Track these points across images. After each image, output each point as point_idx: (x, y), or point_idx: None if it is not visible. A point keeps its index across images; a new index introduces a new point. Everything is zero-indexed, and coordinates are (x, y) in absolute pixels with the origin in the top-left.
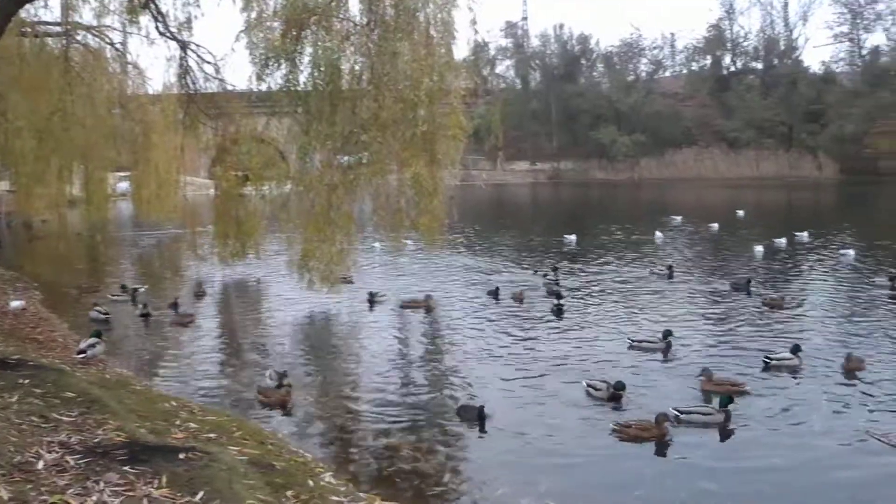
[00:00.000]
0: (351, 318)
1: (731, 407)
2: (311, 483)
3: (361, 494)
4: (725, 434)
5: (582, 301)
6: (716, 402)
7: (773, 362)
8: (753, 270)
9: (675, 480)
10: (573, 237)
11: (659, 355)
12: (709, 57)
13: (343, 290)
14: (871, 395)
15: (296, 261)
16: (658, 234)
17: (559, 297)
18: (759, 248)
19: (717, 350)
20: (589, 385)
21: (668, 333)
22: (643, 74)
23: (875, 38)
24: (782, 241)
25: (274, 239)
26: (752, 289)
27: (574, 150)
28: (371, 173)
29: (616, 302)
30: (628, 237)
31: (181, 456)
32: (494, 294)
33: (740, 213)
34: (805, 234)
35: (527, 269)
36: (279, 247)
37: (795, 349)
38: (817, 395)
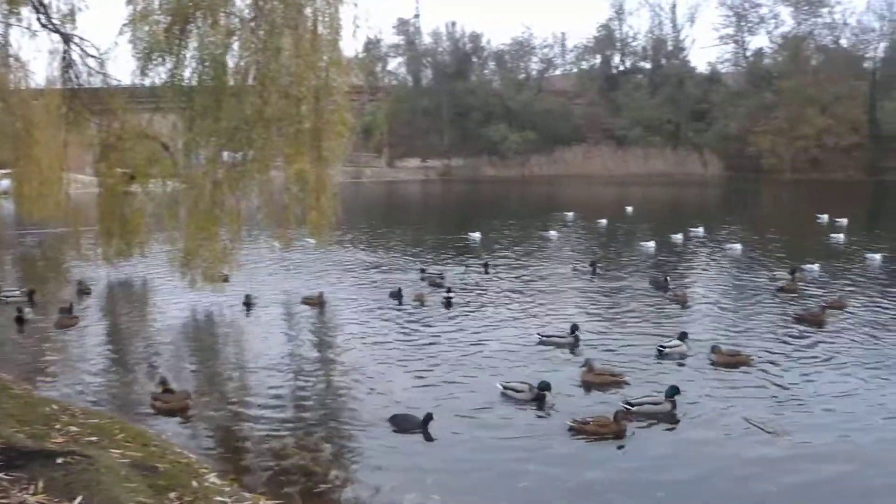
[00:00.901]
0: (238, 317)
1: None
2: (195, 484)
3: (246, 494)
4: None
5: (487, 299)
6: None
7: (667, 350)
8: (655, 266)
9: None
10: (477, 235)
11: (567, 350)
12: (598, 56)
13: (228, 290)
14: (751, 386)
15: (179, 259)
16: (552, 232)
17: (448, 290)
18: (650, 244)
19: (620, 342)
20: (507, 388)
21: (574, 328)
22: (534, 73)
23: (758, 41)
24: (679, 237)
25: (160, 237)
26: (671, 286)
27: (465, 147)
28: (256, 170)
29: (527, 299)
30: (529, 234)
31: (59, 460)
32: (397, 295)
33: (629, 209)
34: (701, 229)
35: (431, 267)
36: (165, 245)
37: (682, 336)
38: (702, 385)
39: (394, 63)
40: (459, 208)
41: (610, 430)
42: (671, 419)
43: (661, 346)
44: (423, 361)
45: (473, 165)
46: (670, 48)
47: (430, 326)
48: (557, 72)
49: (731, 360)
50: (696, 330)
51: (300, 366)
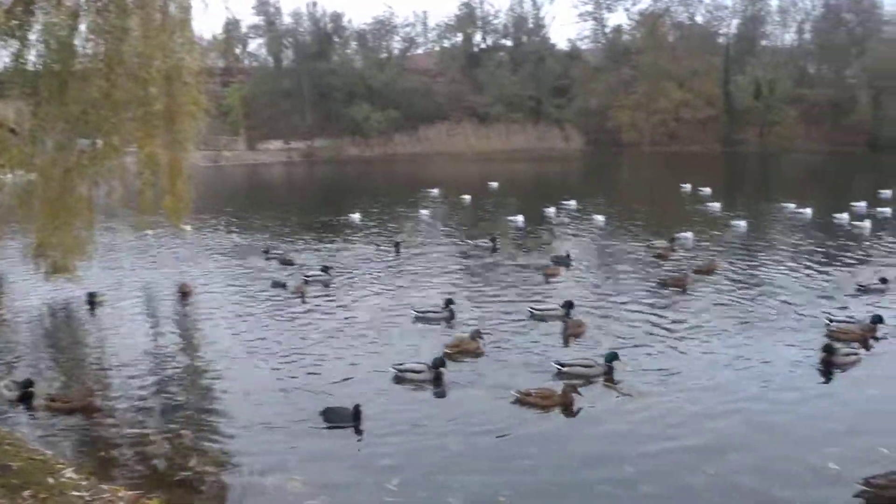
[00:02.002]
0: (98, 310)
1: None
2: (50, 480)
3: (104, 487)
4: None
5: (366, 280)
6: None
7: (537, 313)
8: (524, 238)
9: None
10: (357, 216)
11: (443, 324)
12: (460, 34)
13: (86, 281)
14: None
15: (32, 250)
16: (424, 211)
17: (324, 269)
18: (518, 218)
19: (492, 313)
20: (402, 370)
21: (449, 302)
22: (396, 52)
23: (617, 18)
24: (551, 210)
25: (10, 228)
26: (573, 262)
27: (328, 127)
28: (107, 155)
29: (403, 277)
30: (402, 213)
31: None
32: (283, 286)
33: (493, 184)
34: (573, 202)
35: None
36: (16, 236)
37: (568, 305)
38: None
39: (254, 44)
40: (327, 190)
41: (554, 402)
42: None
43: (532, 308)
44: (304, 350)
45: (337, 146)
46: (531, 26)
47: (306, 314)
48: (419, 50)
49: (454, 351)
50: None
51: (163, 358)
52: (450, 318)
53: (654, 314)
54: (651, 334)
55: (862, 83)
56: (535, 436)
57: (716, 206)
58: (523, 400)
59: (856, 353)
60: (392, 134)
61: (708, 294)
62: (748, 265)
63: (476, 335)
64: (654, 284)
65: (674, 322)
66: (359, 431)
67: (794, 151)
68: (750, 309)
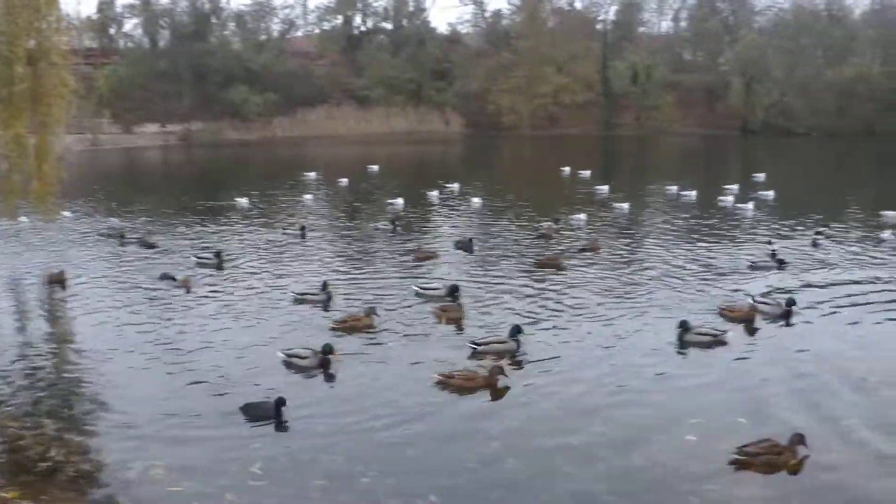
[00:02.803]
0: None
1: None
2: None
3: None
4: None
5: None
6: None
7: (422, 291)
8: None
9: None
10: (244, 200)
11: (320, 306)
12: (340, 17)
13: None
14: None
15: None
16: (307, 196)
17: (217, 255)
18: (398, 201)
19: (373, 293)
20: (290, 355)
21: (325, 285)
22: (275, 34)
23: (497, 2)
24: (434, 193)
25: None
26: (475, 247)
27: (205, 110)
28: None
29: (283, 260)
30: (289, 196)
31: None
32: (172, 278)
33: (374, 167)
34: (456, 185)
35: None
36: None
37: (453, 289)
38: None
39: (130, 24)
40: (206, 174)
41: (478, 385)
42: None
43: (418, 286)
44: (184, 339)
45: (215, 129)
46: (411, 9)
47: (192, 302)
48: (299, 33)
49: (344, 327)
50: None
51: (34, 352)
52: (327, 301)
53: (533, 294)
54: (531, 313)
55: (735, 70)
56: (436, 420)
57: (604, 188)
58: (446, 382)
59: (714, 334)
60: (271, 117)
61: (587, 273)
62: (632, 245)
63: (371, 311)
64: (531, 265)
65: (551, 301)
66: (282, 426)
67: (671, 135)
68: (632, 287)
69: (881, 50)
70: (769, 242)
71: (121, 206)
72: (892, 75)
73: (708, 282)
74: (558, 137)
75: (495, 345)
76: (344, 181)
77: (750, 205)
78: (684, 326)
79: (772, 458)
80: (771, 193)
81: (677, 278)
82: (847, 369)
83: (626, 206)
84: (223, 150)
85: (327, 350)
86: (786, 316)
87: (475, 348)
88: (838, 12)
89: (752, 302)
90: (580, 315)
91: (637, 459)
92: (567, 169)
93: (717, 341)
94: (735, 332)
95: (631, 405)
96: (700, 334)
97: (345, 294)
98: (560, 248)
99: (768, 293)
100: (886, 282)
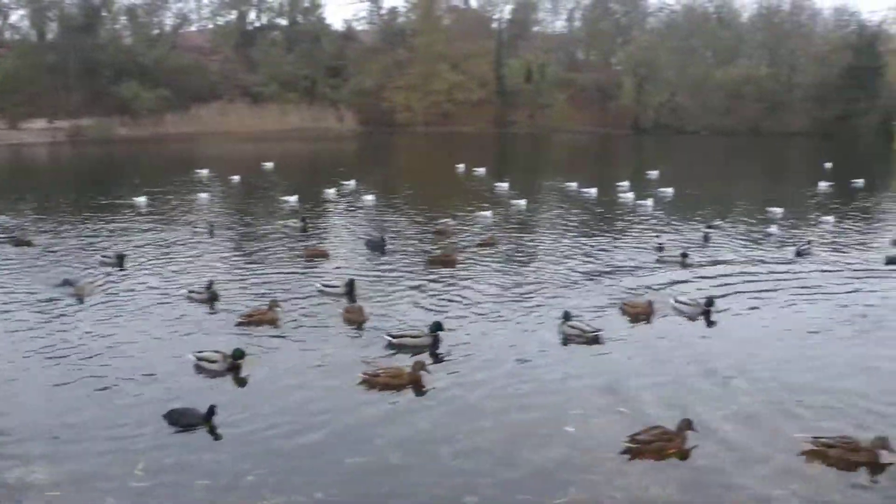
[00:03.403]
0: None
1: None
2: None
3: None
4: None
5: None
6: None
7: (325, 289)
8: (294, 216)
9: None
10: (143, 199)
11: (206, 305)
12: (234, 12)
13: None
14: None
15: None
16: (203, 195)
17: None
18: (292, 199)
19: (262, 291)
20: (200, 358)
21: (210, 284)
22: (168, 28)
23: (392, 0)
24: (331, 191)
25: None
26: (388, 246)
27: (95, 106)
28: None
29: (174, 258)
30: (186, 194)
31: None
32: (68, 283)
33: (268, 165)
34: (352, 182)
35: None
36: None
37: (350, 284)
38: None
39: (16, 16)
40: (97, 172)
41: (404, 381)
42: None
43: (323, 285)
44: (84, 345)
45: (105, 125)
46: (307, 5)
47: (87, 310)
48: (193, 28)
49: (251, 321)
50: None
51: None
52: (212, 300)
53: (429, 291)
54: (429, 309)
55: (627, 70)
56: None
57: (503, 185)
58: (371, 381)
59: (586, 329)
60: (163, 113)
61: (485, 269)
62: (534, 241)
63: (274, 304)
64: (425, 262)
65: (446, 298)
66: (214, 433)
67: (564, 133)
68: (533, 284)
69: (768, 52)
70: (657, 236)
71: (6, 205)
72: (777, 77)
73: (611, 277)
74: (452, 135)
75: (409, 339)
76: (236, 178)
77: (649, 201)
78: (566, 317)
79: (663, 444)
80: (670, 190)
81: (580, 273)
82: (734, 363)
83: (523, 202)
84: (113, 146)
85: (238, 355)
86: (705, 315)
87: (390, 341)
88: (727, 15)
89: (672, 302)
90: (475, 312)
91: (523, 453)
92: (462, 166)
93: (588, 337)
94: (623, 327)
95: (518, 399)
96: (572, 328)
97: (253, 292)
98: (455, 244)
99: (674, 288)
100: (773, 275)
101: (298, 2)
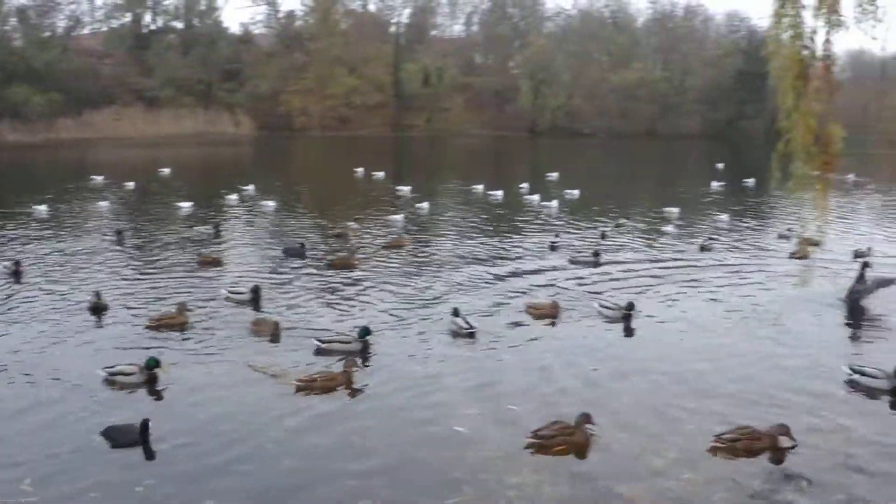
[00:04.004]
0: None
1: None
2: None
3: None
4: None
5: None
6: (355, 332)
7: (231, 295)
8: (191, 225)
9: None
10: (43, 207)
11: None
12: (129, 14)
13: None
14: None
15: None
16: (103, 203)
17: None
18: (186, 205)
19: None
20: (114, 373)
21: (97, 294)
22: (60, 30)
23: (290, 3)
24: (233, 197)
25: None
26: (308, 252)
27: None
28: None
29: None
30: (79, 201)
31: None
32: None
33: (165, 170)
34: (251, 187)
35: None
36: None
37: (255, 289)
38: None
39: None
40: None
41: (338, 384)
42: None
43: (230, 291)
44: None
45: None
46: (203, 8)
47: None
48: (86, 30)
49: (160, 324)
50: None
51: None
52: (98, 310)
53: (336, 294)
54: (328, 313)
55: (524, 73)
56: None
57: (405, 188)
58: (309, 387)
59: (465, 326)
60: (55, 118)
61: (388, 271)
62: (440, 244)
63: (182, 308)
64: (325, 266)
65: (348, 302)
66: (148, 451)
67: (461, 136)
68: (435, 282)
69: (661, 56)
70: (556, 235)
71: None
72: (671, 80)
73: (520, 278)
74: (350, 139)
75: (338, 343)
76: (132, 185)
77: (554, 203)
78: (455, 313)
79: (565, 438)
80: (576, 192)
81: (488, 275)
82: (637, 359)
83: (426, 205)
84: (2, 153)
85: (152, 364)
86: (625, 319)
87: (319, 345)
88: (623, 20)
89: (596, 306)
90: (379, 312)
91: (416, 454)
92: (360, 170)
93: (463, 333)
94: (525, 328)
95: (410, 401)
96: (455, 324)
97: (159, 298)
98: (354, 248)
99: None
100: (668, 272)
101: (194, 5)
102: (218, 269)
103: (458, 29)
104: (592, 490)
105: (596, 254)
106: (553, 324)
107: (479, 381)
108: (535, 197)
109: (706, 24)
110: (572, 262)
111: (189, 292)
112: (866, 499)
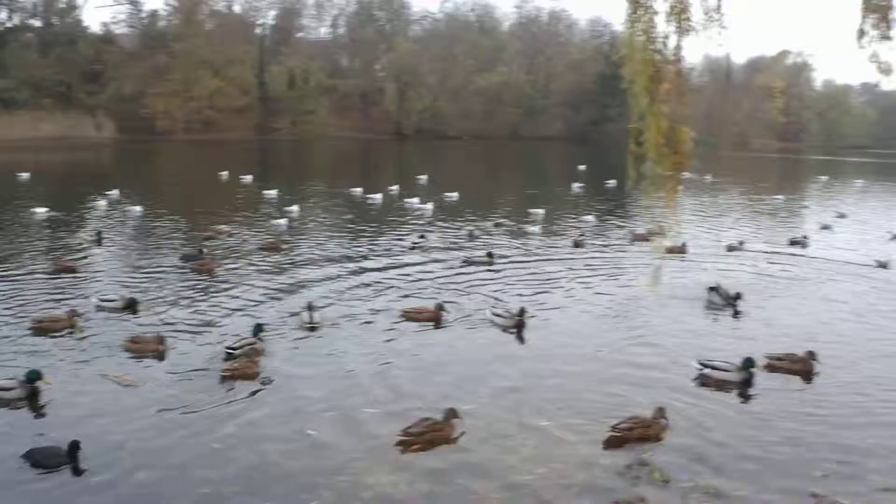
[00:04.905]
0: None
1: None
2: None
3: None
4: None
5: None
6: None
7: (102, 304)
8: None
9: None
10: None
11: None
12: None
13: None
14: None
15: None
16: None
17: None
18: (40, 210)
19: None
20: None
21: None
22: None
23: (154, 2)
24: (102, 202)
25: None
26: (206, 256)
27: None
28: None
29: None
30: None
31: None
32: None
33: (24, 175)
34: (116, 192)
35: None
36: None
37: (131, 302)
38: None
39: None
40: None
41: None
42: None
43: (101, 299)
44: None
45: None
46: (62, 6)
47: None
48: None
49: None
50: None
51: None
52: None
53: (195, 299)
54: (195, 312)
55: (390, 76)
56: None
57: (272, 192)
58: (233, 375)
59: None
60: None
61: (260, 273)
62: (317, 247)
63: (72, 314)
64: (190, 269)
65: (215, 306)
66: (77, 472)
67: (327, 139)
68: (307, 283)
69: (526, 60)
70: (422, 236)
71: None
72: (535, 83)
73: (401, 280)
74: (215, 142)
75: (248, 347)
76: None
77: (430, 205)
78: (309, 307)
79: (435, 434)
80: (455, 195)
81: (362, 277)
82: (498, 357)
83: (295, 208)
84: None
85: (33, 377)
86: (518, 326)
87: (231, 353)
88: (488, 24)
89: (488, 314)
90: (248, 314)
91: (269, 458)
92: (225, 173)
93: (307, 328)
94: (394, 331)
95: (263, 405)
96: (302, 318)
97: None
98: (213, 253)
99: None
100: (535, 273)
101: (53, 2)
102: (73, 276)
103: (324, 31)
104: (449, 487)
105: (490, 254)
106: (434, 326)
107: (337, 385)
108: (415, 200)
109: (570, 29)
110: (467, 262)
111: (54, 299)
112: (717, 488)
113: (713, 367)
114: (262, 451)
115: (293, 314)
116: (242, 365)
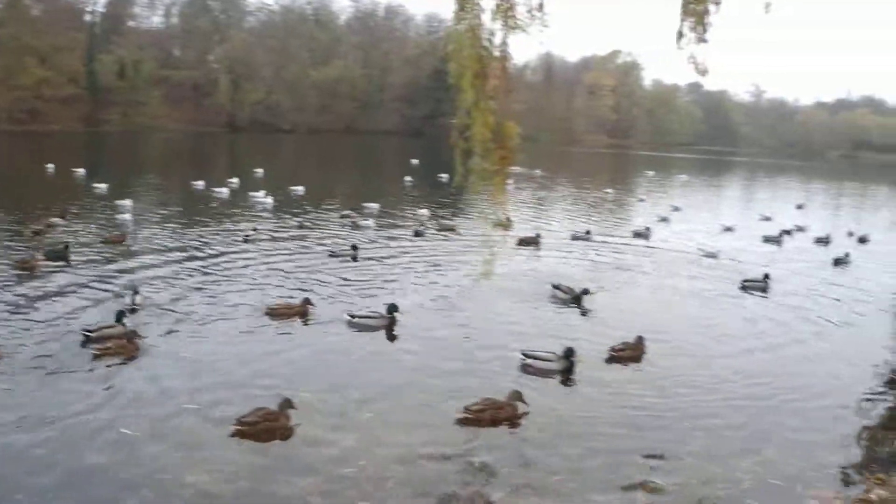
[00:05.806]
0: None
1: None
2: None
3: None
4: None
5: None
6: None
7: None
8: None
9: None
10: None
11: None
12: None
13: None
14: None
15: None
16: None
17: None
18: None
19: None
20: None
21: None
22: None
23: None
24: None
25: None
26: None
27: None
28: None
29: None
30: None
31: None
32: None
33: None
34: None
35: None
36: None
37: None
38: None
39: None
40: None
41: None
42: None
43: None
44: None
45: None
46: None
47: None
48: None
49: None
50: None
51: None
52: None
53: (30, 296)
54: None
55: (223, 68)
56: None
57: (102, 186)
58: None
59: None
60: None
61: (98, 267)
62: (156, 238)
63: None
64: (11, 268)
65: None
66: None
67: (159, 131)
68: (159, 282)
69: (362, 54)
70: (254, 230)
71: None
72: (371, 78)
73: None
74: (40, 134)
75: (108, 330)
76: None
77: (270, 199)
78: (133, 290)
79: (269, 424)
80: (300, 189)
81: (211, 272)
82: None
83: (128, 202)
84: None
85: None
86: (389, 326)
87: (89, 335)
88: (325, 17)
89: (347, 317)
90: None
91: (91, 461)
92: (52, 166)
93: (127, 309)
94: (248, 328)
95: (71, 405)
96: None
97: None
98: (36, 250)
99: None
100: (373, 266)
101: None
102: None
103: (156, 21)
104: (271, 482)
105: (354, 247)
106: (305, 323)
107: (161, 383)
108: (260, 193)
109: (406, 25)
110: (332, 255)
111: None
112: (538, 479)
113: (535, 357)
114: (81, 454)
115: (118, 296)
116: (115, 345)
